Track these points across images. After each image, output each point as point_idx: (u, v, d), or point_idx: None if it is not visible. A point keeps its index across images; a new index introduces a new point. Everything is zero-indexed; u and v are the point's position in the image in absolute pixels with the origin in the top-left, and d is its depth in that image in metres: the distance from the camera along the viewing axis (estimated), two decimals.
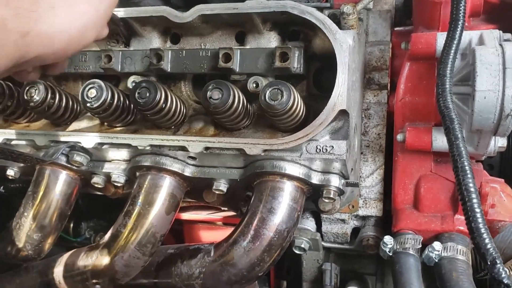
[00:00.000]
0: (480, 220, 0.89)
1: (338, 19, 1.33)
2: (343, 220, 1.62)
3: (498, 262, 0.86)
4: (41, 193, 1.50)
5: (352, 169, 1.35)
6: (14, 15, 0.78)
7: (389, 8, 1.57)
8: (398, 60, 1.56)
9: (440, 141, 1.34)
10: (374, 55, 1.56)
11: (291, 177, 1.28)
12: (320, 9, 1.34)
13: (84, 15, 0.89)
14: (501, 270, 0.86)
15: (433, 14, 1.38)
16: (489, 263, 0.87)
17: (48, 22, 0.83)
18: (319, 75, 1.37)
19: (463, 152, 0.96)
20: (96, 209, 2.09)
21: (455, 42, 1.13)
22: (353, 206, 1.57)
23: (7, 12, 0.77)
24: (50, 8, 0.83)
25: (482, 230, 0.89)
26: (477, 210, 0.90)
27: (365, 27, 1.55)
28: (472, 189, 0.92)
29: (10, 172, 1.58)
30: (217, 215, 1.87)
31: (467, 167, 0.94)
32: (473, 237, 0.90)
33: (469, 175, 0.93)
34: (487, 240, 0.88)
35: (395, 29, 1.60)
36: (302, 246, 1.59)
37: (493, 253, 0.87)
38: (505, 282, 0.85)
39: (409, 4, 1.57)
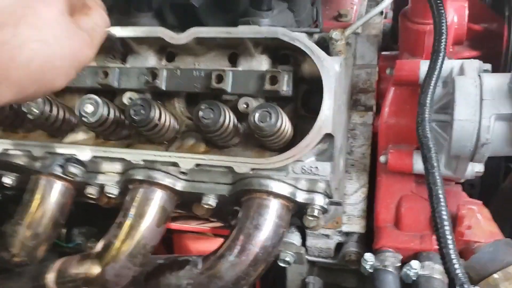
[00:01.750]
0: (451, 246, 0.95)
1: (327, 43, 1.38)
2: (327, 236, 1.68)
3: (465, 286, 0.92)
4: (35, 202, 1.54)
5: (336, 188, 1.41)
6: None
7: (377, 33, 1.63)
8: (384, 83, 1.62)
9: (420, 164, 1.38)
10: (361, 77, 1.62)
11: (277, 195, 1.34)
12: (310, 34, 1.41)
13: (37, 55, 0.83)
14: None
15: (417, 42, 1.45)
16: (458, 287, 0.93)
17: (17, 73, 0.80)
18: (307, 97, 1.42)
19: (438, 181, 1.02)
20: (88, 216, 2.14)
21: (436, 73, 1.20)
22: (337, 222, 1.63)
23: None
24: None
25: (453, 256, 0.95)
26: (449, 236, 0.96)
27: (353, 50, 1.61)
28: (444, 217, 0.98)
29: (7, 180, 1.62)
30: (206, 226, 1.92)
31: (441, 195, 1.00)
32: (444, 262, 0.96)
33: (442, 203, 0.99)
34: (456, 266, 0.94)
35: (382, 53, 1.67)
36: (287, 259, 1.64)
37: (462, 278, 0.93)
38: None
39: (396, 29, 1.63)
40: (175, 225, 1.93)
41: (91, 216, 2.16)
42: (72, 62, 0.91)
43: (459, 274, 0.93)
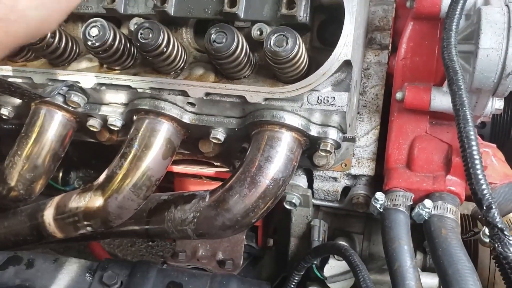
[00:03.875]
0: (478, 166, 0.91)
1: None
2: (335, 178, 1.64)
3: (493, 207, 0.89)
4: (35, 133, 1.48)
5: (349, 124, 1.37)
6: None
7: None
8: (401, 21, 1.56)
9: (438, 100, 1.35)
10: (377, 14, 1.56)
11: (290, 128, 1.29)
12: None
13: None
14: (495, 214, 0.88)
15: None
16: (485, 208, 0.90)
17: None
18: (323, 28, 1.37)
19: (465, 101, 0.98)
20: (86, 158, 2.08)
21: None
22: (345, 165, 1.59)
23: None
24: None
25: (480, 176, 0.91)
26: (476, 157, 0.92)
27: None
28: (472, 137, 0.94)
29: (4, 111, 1.55)
30: (210, 170, 1.87)
31: (468, 116, 0.96)
32: (471, 183, 0.92)
33: (470, 124, 0.95)
34: (484, 186, 0.90)
35: None
36: (293, 201, 1.61)
37: (489, 199, 0.89)
38: (499, 226, 0.88)
39: None
40: (177, 168, 1.87)
41: (89, 160, 2.11)
42: (66, 9, 0.93)
43: (487, 195, 0.89)
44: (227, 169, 1.85)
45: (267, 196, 1.29)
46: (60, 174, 2.08)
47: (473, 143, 0.93)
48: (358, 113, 1.59)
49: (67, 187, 2.08)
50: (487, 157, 1.42)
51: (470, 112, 0.97)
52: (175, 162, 1.92)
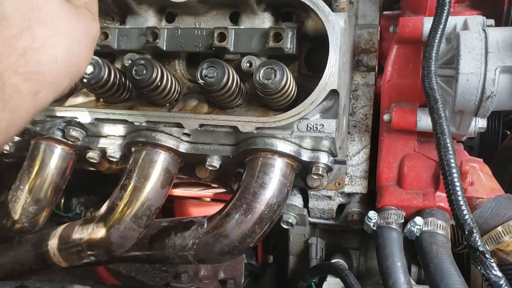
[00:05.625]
0: (459, 193, 0.96)
1: (329, 1, 1.37)
2: (329, 197, 1.69)
3: (474, 231, 0.93)
4: (36, 167, 1.53)
5: (340, 147, 1.41)
6: (24, 79, 0.83)
7: None
8: (386, 43, 1.62)
9: (424, 121, 1.40)
10: (363, 37, 1.61)
11: (282, 154, 1.34)
12: None
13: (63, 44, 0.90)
14: (477, 238, 0.93)
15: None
16: (466, 232, 0.94)
17: (51, 73, 0.87)
18: (310, 56, 1.42)
19: (446, 130, 1.02)
20: (87, 185, 2.13)
21: (441, 26, 1.19)
22: (339, 184, 1.64)
23: (17, 78, 0.81)
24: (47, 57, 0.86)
25: (461, 203, 0.96)
26: (457, 184, 0.97)
27: (355, 10, 1.60)
28: (453, 164, 0.98)
29: (5, 147, 1.60)
30: (208, 192, 1.92)
31: (449, 144, 1.01)
32: (453, 209, 0.96)
33: (450, 152, 1.00)
34: (465, 212, 0.95)
35: (384, 12, 1.66)
36: (290, 221, 1.66)
37: (470, 223, 0.94)
38: (481, 249, 0.92)
39: None
40: (176, 192, 1.92)
41: (90, 186, 2.16)
42: (87, 41, 0.96)
43: (468, 220, 0.94)
44: (225, 190, 1.90)
45: (263, 221, 1.33)
46: (62, 201, 2.13)
47: (454, 170, 0.98)
48: (349, 133, 1.64)
49: (69, 214, 2.13)
50: (474, 172, 1.46)
51: (450, 140, 1.02)
52: (174, 185, 1.97)
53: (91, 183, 2.12)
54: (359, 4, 1.62)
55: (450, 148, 1.00)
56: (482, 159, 1.55)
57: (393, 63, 1.50)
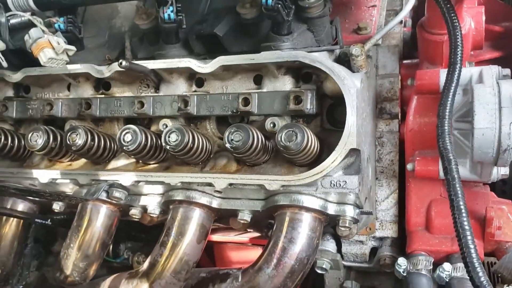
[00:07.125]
0: (474, 255, 1.00)
1: (348, 58, 1.44)
2: (361, 242, 1.73)
3: None
4: (84, 226, 1.66)
5: (366, 198, 1.47)
6: None
7: (396, 43, 1.68)
8: (407, 90, 1.66)
9: None
10: (385, 87, 1.67)
11: (308, 209, 1.40)
12: (331, 51, 1.46)
13: None
14: None
15: (436, 51, 1.48)
16: None
17: None
18: (332, 111, 1.48)
19: (459, 192, 1.06)
20: (132, 231, 2.25)
21: (453, 85, 1.23)
22: (370, 229, 1.69)
23: None
24: None
25: (476, 264, 0.99)
26: (471, 246, 1.01)
27: (375, 61, 1.66)
28: (466, 227, 1.02)
29: (56, 207, 1.74)
30: (244, 236, 2.00)
31: (462, 206, 1.05)
32: (468, 271, 1.00)
33: (463, 214, 1.04)
34: (480, 274, 0.99)
35: (403, 61, 1.70)
36: (324, 266, 1.71)
37: (486, 286, 0.97)
38: None
39: (416, 37, 1.66)
40: (215, 237, 2.02)
41: (135, 231, 2.28)
42: None
43: (484, 282, 0.98)
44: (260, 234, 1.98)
45: (294, 275, 1.40)
46: (110, 247, 2.26)
47: (468, 233, 1.02)
48: (377, 178, 1.69)
49: (117, 259, 2.25)
50: (502, 215, 1.48)
51: (463, 202, 1.06)
52: (213, 231, 2.07)
53: (136, 230, 2.24)
54: (378, 55, 1.67)
55: (463, 210, 1.04)
56: (511, 200, 1.56)
57: (414, 113, 1.54)
